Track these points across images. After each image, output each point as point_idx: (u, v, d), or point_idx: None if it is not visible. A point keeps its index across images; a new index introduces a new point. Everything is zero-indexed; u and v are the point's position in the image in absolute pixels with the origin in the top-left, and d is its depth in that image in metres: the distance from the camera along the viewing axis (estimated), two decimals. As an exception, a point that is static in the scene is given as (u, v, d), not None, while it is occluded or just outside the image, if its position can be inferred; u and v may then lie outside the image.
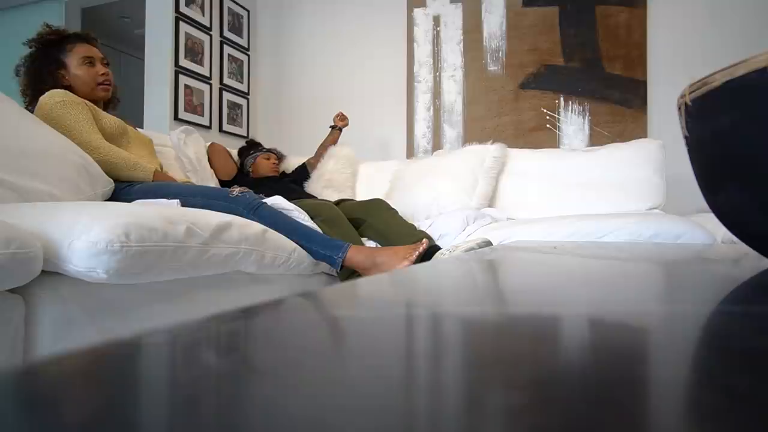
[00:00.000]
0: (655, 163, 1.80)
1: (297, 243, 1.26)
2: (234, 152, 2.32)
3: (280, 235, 1.22)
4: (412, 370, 0.12)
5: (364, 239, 1.59)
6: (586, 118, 2.39)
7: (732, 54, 2.04)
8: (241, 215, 1.22)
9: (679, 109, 0.35)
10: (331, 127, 2.39)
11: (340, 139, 2.41)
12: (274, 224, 1.26)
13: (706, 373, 0.12)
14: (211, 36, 2.74)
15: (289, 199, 1.49)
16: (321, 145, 2.38)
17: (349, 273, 1.32)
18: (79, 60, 1.48)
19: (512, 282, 0.33)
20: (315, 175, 2.33)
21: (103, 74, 1.52)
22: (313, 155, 2.38)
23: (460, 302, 0.24)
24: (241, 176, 2.20)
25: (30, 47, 1.50)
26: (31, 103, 1.43)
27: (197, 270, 0.95)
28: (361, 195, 2.32)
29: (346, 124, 2.39)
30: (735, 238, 0.37)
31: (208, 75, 2.70)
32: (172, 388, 0.11)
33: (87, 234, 0.76)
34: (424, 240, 1.29)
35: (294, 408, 0.09)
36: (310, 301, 0.22)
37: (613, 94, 2.34)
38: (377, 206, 1.72)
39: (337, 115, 2.38)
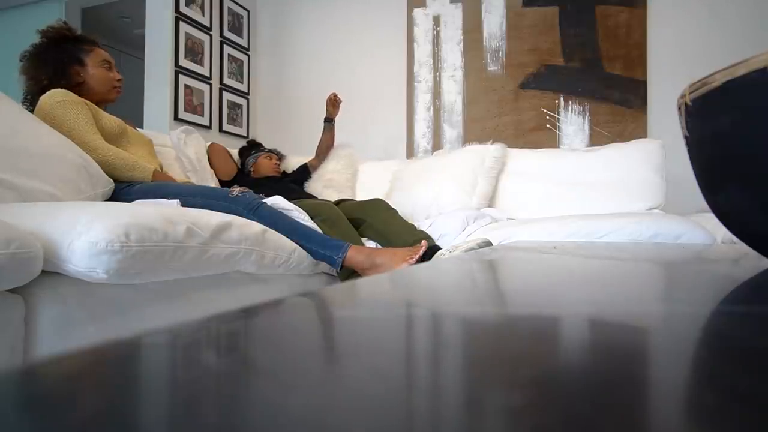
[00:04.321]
0: (655, 163, 1.80)
1: (297, 243, 1.26)
2: (234, 152, 2.32)
3: (280, 235, 1.22)
4: (412, 371, 0.12)
5: (364, 239, 1.59)
6: (586, 118, 2.39)
7: (732, 54, 2.04)
8: (241, 215, 1.22)
9: (679, 109, 0.35)
10: (325, 120, 2.32)
11: (336, 135, 2.37)
12: (274, 224, 1.26)
13: (706, 373, 0.12)
14: (211, 36, 2.74)
15: (289, 199, 1.49)
16: (319, 145, 2.36)
17: (349, 273, 1.32)
18: (100, 62, 1.55)
19: (512, 282, 0.33)
20: (315, 175, 2.33)
21: (118, 79, 1.60)
22: (314, 156, 2.38)
23: (460, 302, 0.24)
24: (242, 176, 2.20)
25: (43, 36, 1.51)
26: (40, 93, 1.42)
27: (197, 270, 0.95)
28: (361, 195, 2.31)
29: (338, 111, 2.29)
30: (735, 238, 0.37)
31: (208, 75, 2.70)
32: (172, 389, 0.11)
33: (87, 234, 0.76)
34: (423, 242, 1.29)
35: (294, 408, 0.09)
36: (310, 301, 0.22)
37: (613, 94, 2.34)
38: (377, 206, 1.72)
39: (330, 104, 2.27)
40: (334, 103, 2.29)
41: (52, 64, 1.48)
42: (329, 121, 2.33)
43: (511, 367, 0.12)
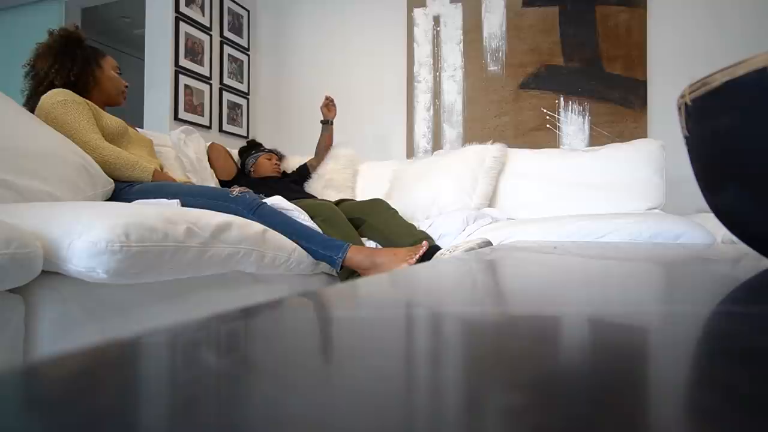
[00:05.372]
0: (655, 163, 1.80)
1: (297, 243, 1.26)
2: (234, 152, 2.32)
3: (280, 235, 1.22)
4: (412, 371, 0.12)
5: (364, 239, 1.59)
6: (586, 118, 2.39)
7: (732, 54, 2.04)
8: (241, 215, 1.22)
9: (679, 109, 0.35)
10: (322, 122, 2.34)
11: (335, 135, 2.38)
12: (274, 224, 1.26)
13: (706, 373, 0.12)
14: (211, 36, 2.74)
15: (289, 199, 1.49)
16: (318, 145, 2.36)
17: (348, 273, 1.32)
18: (114, 68, 1.65)
19: (512, 282, 0.33)
20: (315, 175, 2.33)
21: (126, 86, 1.69)
22: (313, 156, 2.38)
23: (460, 302, 0.24)
24: (242, 176, 2.20)
25: (59, 35, 1.52)
26: (48, 88, 1.43)
27: (197, 270, 0.95)
28: (361, 195, 2.32)
29: (335, 114, 2.32)
30: (735, 238, 0.37)
31: (208, 75, 2.70)
32: (172, 388, 0.11)
33: (87, 234, 0.76)
34: (424, 242, 1.29)
35: (294, 408, 0.09)
36: (310, 301, 0.22)
37: (613, 94, 2.34)
38: (377, 206, 1.72)
39: (324, 107, 2.30)
40: (329, 108, 2.31)
41: (74, 60, 1.51)
42: (327, 122, 2.34)
43: (511, 367, 0.12)
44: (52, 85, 1.45)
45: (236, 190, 1.35)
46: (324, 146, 2.35)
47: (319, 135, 2.36)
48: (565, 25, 2.43)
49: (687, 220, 1.34)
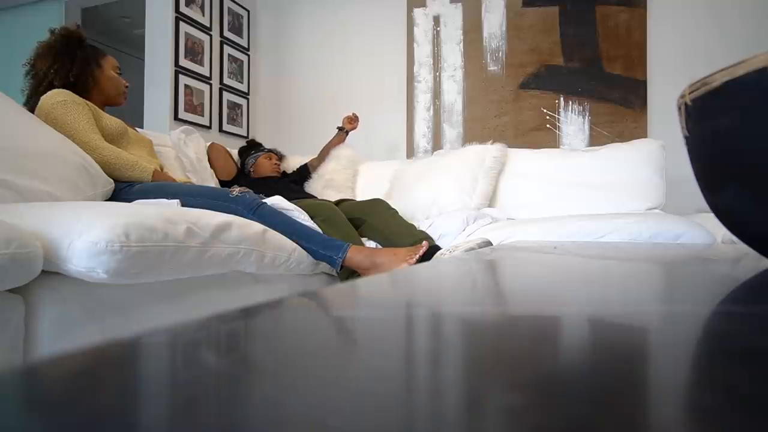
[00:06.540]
0: (655, 163, 1.80)
1: (297, 243, 1.26)
2: (234, 152, 2.32)
3: (280, 235, 1.22)
4: (412, 371, 0.12)
5: (364, 239, 1.59)
6: (586, 118, 2.39)
7: (732, 54, 2.04)
8: (241, 215, 1.22)
9: (679, 109, 0.35)
10: (338, 128, 2.37)
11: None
12: (274, 224, 1.26)
13: (706, 373, 0.12)
14: (211, 36, 2.74)
15: (289, 199, 1.49)
16: (325, 146, 2.37)
17: (348, 273, 1.32)
18: (114, 68, 1.64)
19: (512, 282, 0.33)
20: (315, 175, 2.33)
21: (126, 86, 1.68)
22: (315, 156, 2.38)
23: (460, 302, 0.24)
24: (242, 176, 2.20)
25: (60, 35, 1.52)
26: (48, 89, 1.44)
27: (197, 270, 0.95)
28: (361, 195, 2.32)
29: (355, 127, 2.36)
30: (735, 238, 0.37)
31: (208, 75, 2.70)
32: (172, 388, 0.11)
33: (87, 234, 0.76)
34: (424, 242, 1.29)
35: (294, 408, 0.09)
36: (310, 301, 0.22)
37: (613, 94, 2.34)
38: (377, 206, 1.72)
39: (348, 117, 2.35)
40: (352, 121, 2.34)
41: (74, 60, 1.51)
42: (343, 130, 2.36)
43: (511, 367, 0.12)
44: (51, 86, 1.45)
45: (236, 190, 1.35)
46: (330, 148, 2.36)
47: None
48: (565, 25, 2.43)
49: (687, 220, 1.34)
